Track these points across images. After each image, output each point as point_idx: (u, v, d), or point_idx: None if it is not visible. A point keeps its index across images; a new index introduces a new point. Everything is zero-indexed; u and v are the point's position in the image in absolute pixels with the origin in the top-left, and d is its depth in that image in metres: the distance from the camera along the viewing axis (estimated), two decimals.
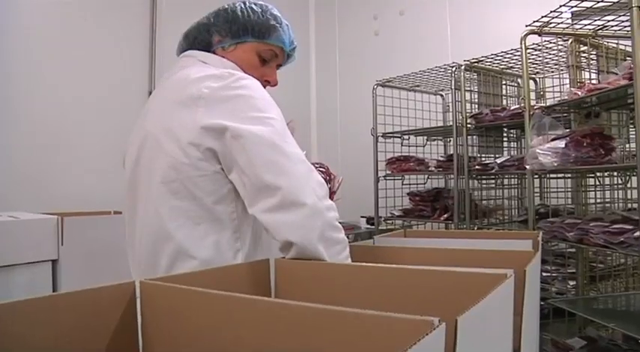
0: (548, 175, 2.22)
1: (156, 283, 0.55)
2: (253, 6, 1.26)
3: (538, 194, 2.55)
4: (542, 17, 2.01)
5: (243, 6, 1.25)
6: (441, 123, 3.16)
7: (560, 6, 1.96)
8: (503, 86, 2.86)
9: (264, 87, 1.24)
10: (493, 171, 2.47)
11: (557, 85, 2.46)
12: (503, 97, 2.86)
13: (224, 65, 1.21)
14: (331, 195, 1.24)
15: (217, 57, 1.25)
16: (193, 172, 1.04)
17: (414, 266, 0.65)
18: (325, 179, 1.18)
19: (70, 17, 2.77)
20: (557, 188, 2.41)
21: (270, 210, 0.95)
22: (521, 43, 2.11)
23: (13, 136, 2.53)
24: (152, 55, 3.12)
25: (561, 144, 1.85)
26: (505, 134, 2.86)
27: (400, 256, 0.84)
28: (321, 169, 1.29)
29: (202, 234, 1.06)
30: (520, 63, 2.21)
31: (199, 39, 1.28)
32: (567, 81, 2.28)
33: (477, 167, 2.52)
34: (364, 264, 0.74)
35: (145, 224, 1.10)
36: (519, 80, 2.84)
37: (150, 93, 2.99)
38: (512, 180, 2.84)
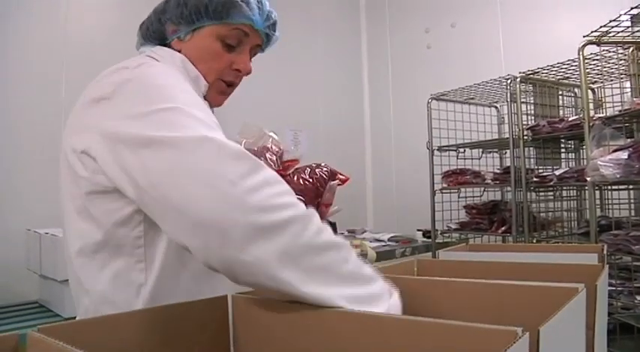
0: (609, 187, 2.18)
1: (247, 297, 0.60)
2: None
3: (599, 206, 2.50)
4: (601, 27, 1.98)
5: None
6: (495, 135, 3.14)
7: (620, 14, 1.94)
8: (560, 97, 2.82)
9: (235, 79, 1.08)
10: (552, 183, 2.43)
11: (617, 95, 2.41)
12: (560, 108, 2.82)
13: (173, 60, 1.02)
14: (320, 206, 1.07)
15: (167, 50, 1.04)
16: (91, 187, 0.86)
17: (485, 280, 0.67)
18: (317, 185, 1.03)
19: None
20: (620, 199, 2.35)
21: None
22: (579, 54, 2.07)
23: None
24: None
25: (624, 155, 1.82)
26: (563, 145, 2.81)
27: (467, 270, 0.86)
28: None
29: (100, 263, 0.89)
30: (577, 73, 2.19)
31: (152, 30, 1.08)
32: (628, 90, 2.24)
33: (534, 179, 2.50)
34: (435, 278, 0.77)
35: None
36: (576, 90, 2.79)
37: None
38: (571, 191, 2.79)
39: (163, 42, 1.07)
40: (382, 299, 0.66)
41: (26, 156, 2.41)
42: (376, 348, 0.47)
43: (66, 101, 2.54)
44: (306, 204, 0.72)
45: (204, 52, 1.03)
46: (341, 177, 1.11)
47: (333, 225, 3.07)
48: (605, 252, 1.05)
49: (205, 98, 1.05)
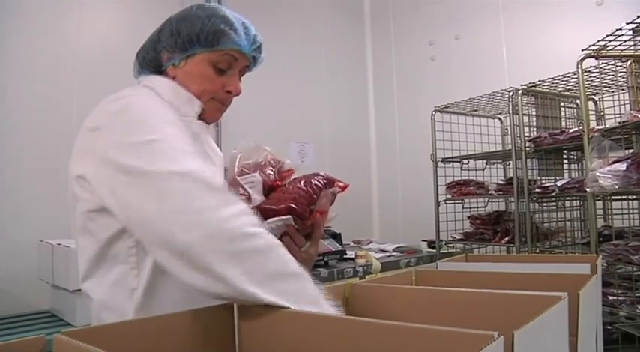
0: (611, 197, 2.21)
1: (253, 305, 0.65)
2: (199, 12, 1.12)
3: (602, 216, 2.53)
4: (599, 41, 2.03)
5: (187, 14, 1.13)
6: (499, 147, 3.18)
7: (618, 29, 1.98)
8: (562, 108, 2.86)
9: (227, 99, 1.17)
10: (554, 193, 2.47)
11: (617, 106, 2.45)
12: (562, 119, 2.86)
13: (169, 88, 1.11)
14: (314, 212, 1.10)
15: (162, 80, 1.14)
16: (88, 206, 0.98)
17: (471, 289, 0.72)
18: (310, 193, 1.06)
19: None
20: (622, 210, 2.38)
21: None
22: (577, 67, 2.12)
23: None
24: None
25: (622, 166, 1.85)
26: (565, 156, 2.85)
27: (461, 280, 0.91)
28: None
29: (101, 272, 1.00)
30: (577, 85, 2.23)
31: (148, 58, 1.17)
32: (627, 102, 2.27)
33: (537, 190, 2.53)
34: (428, 287, 0.81)
35: None
36: (578, 101, 2.83)
37: None
38: (575, 202, 2.82)
39: (159, 69, 1.17)
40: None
41: (38, 167, 2.46)
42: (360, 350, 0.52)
43: (77, 114, 2.60)
44: (298, 212, 0.89)
45: (197, 77, 1.12)
46: (340, 184, 1.14)
47: (338, 236, 3.10)
48: (598, 262, 1.09)
49: (201, 116, 1.15)
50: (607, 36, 1.99)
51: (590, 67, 2.24)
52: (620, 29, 1.95)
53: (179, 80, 1.14)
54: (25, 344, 0.51)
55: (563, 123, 2.85)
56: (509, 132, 2.88)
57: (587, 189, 1.94)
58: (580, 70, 2.11)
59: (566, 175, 2.83)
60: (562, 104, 2.86)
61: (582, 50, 2.09)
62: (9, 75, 2.51)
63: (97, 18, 2.89)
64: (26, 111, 2.55)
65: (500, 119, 3.32)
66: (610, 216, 2.52)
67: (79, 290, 1.09)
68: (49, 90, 2.64)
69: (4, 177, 2.46)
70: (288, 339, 0.61)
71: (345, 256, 2.80)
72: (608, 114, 2.60)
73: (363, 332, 0.54)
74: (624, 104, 2.38)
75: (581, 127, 2.28)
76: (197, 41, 1.10)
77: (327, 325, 0.57)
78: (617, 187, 1.84)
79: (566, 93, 2.77)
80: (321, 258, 2.60)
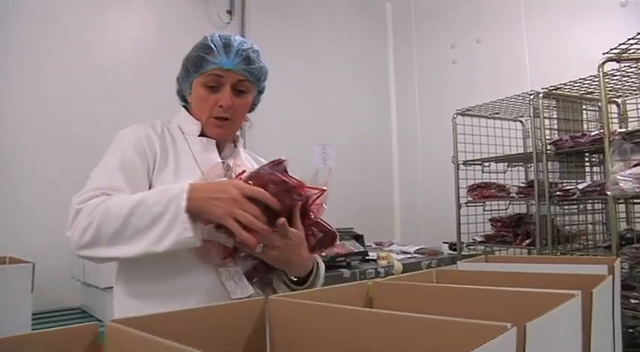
0: (633, 200, 2.21)
1: (284, 299, 0.70)
2: (190, 35, 1.35)
3: (624, 219, 2.53)
4: (621, 44, 2.03)
5: (187, 53, 1.34)
6: (521, 149, 3.19)
7: (638, 33, 1.98)
8: (583, 111, 2.86)
9: (223, 114, 1.30)
10: (575, 196, 2.47)
11: None
12: (584, 122, 2.86)
13: (180, 115, 1.40)
14: (311, 205, 1.19)
15: (182, 110, 1.41)
16: None
17: (488, 287, 0.76)
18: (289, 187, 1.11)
19: None
20: None
21: None
22: (598, 71, 2.13)
23: None
24: None
25: None
26: (587, 159, 2.85)
27: (479, 279, 0.94)
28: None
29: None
30: (599, 89, 2.23)
31: (178, 93, 1.43)
32: None
33: (558, 193, 2.54)
34: (447, 284, 0.85)
35: None
36: (599, 104, 2.83)
37: None
38: (596, 204, 2.82)
39: (185, 100, 1.41)
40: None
41: (69, 167, 2.53)
42: (380, 341, 0.57)
43: (104, 117, 2.68)
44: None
45: (197, 99, 1.33)
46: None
47: (361, 238, 3.12)
48: (616, 263, 1.11)
49: (205, 133, 1.35)
50: (629, 39, 2.00)
51: (612, 70, 2.24)
52: None
53: (192, 106, 1.37)
54: (78, 330, 0.56)
55: (585, 126, 2.85)
56: (530, 135, 2.88)
57: (608, 192, 1.95)
58: (601, 74, 2.11)
59: (587, 178, 2.82)
60: (584, 107, 2.86)
61: (604, 53, 2.09)
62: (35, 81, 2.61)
63: (120, 28, 2.98)
64: (64, 111, 2.65)
65: (521, 122, 3.33)
66: (632, 219, 2.51)
67: (109, 287, 1.26)
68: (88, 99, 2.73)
69: (42, 177, 2.56)
70: (317, 332, 0.65)
71: (367, 257, 2.84)
72: (631, 117, 2.59)
73: (385, 324, 0.58)
74: None
75: (602, 130, 2.29)
76: (189, 69, 1.31)
77: (354, 317, 0.61)
78: (638, 190, 1.85)
79: (588, 96, 2.77)
80: (344, 258, 2.64)
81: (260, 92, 1.42)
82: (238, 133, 1.47)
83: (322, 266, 1.31)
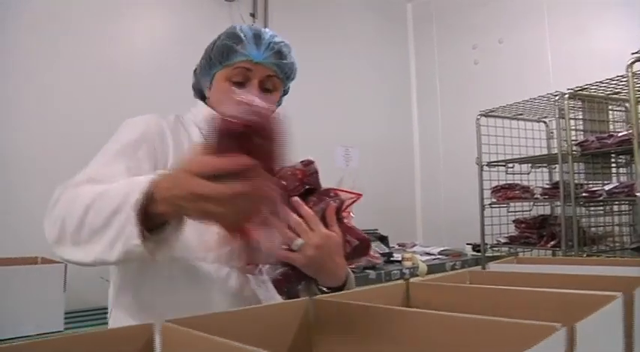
0: None
1: (327, 300, 0.71)
2: (215, 37, 1.20)
3: None
4: None
5: (212, 41, 1.21)
6: (545, 150, 3.17)
7: None
8: (610, 111, 2.84)
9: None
10: (601, 198, 2.45)
11: None
12: (610, 123, 2.83)
13: (196, 111, 1.24)
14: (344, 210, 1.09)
15: (199, 103, 1.25)
16: None
17: (527, 288, 0.76)
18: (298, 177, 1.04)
19: None
20: None
21: None
22: (627, 71, 2.11)
23: None
24: None
25: None
26: (614, 160, 2.82)
27: (514, 280, 0.94)
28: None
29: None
30: (627, 89, 2.21)
31: (195, 87, 1.29)
32: None
33: (584, 194, 2.52)
34: (485, 286, 0.86)
35: None
36: (627, 104, 2.80)
37: None
38: (623, 206, 2.79)
39: (203, 95, 1.26)
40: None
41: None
42: (426, 341, 0.57)
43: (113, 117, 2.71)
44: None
45: (220, 94, 1.17)
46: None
47: (385, 239, 3.13)
48: None
49: None
50: None
51: None
52: None
53: (212, 101, 1.22)
54: (135, 330, 0.57)
55: (611, 127, 2.82)
56: (554, 136, 2.86)
57: (638, 194, 1.93)
58: (630, 74, 2.09)
59: (614, 179, 2.80)
60: (610, 107, 2.83)
61: (632, 53, 2.08)
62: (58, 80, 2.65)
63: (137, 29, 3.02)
64: (85, 109, 2.69)
65: (545, 122, 3.30)
66: None
67: None
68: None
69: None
70: (360, 332, 0.66)
71: (391, 258, 2.84)
72: None
73: (432, 324, 0.59)
74: None
75: (630, 131, 2.27)
76: (212, 61, 1.17)
77: (399, 318, 0.62)
78: None
79: (614, 96, 2.74)
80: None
81: (285, 92, 1.31)
82: None
83: (352, 276, 1.18)
